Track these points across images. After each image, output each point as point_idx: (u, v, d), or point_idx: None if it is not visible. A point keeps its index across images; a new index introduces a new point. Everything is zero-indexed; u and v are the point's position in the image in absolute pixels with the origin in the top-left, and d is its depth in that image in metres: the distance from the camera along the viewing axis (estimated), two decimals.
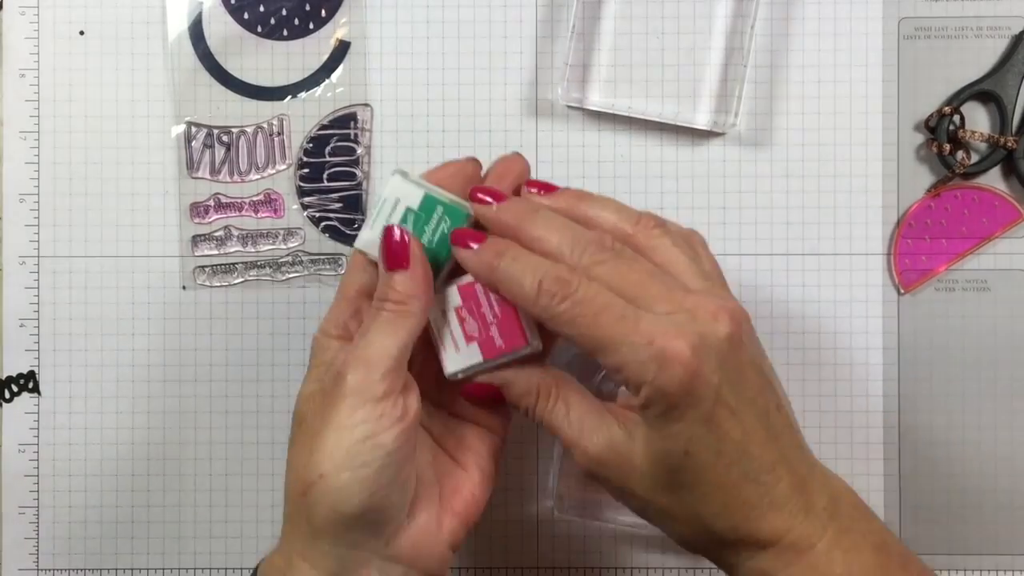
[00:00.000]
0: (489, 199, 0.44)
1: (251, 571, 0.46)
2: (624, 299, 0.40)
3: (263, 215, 0.56)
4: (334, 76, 0.56)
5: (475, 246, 0.43)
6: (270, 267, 0.56)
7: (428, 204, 0.44)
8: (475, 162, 0.46)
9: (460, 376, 0.44)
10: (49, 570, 0.56)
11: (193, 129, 0.56)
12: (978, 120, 0.55)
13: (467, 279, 0.44)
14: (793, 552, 0.41)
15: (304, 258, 0.56)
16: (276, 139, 0.56)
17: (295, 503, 0.42)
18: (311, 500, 0.41)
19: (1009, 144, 0.54)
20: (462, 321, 0.44)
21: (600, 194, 0.45)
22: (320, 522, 0.41)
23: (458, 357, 0.44)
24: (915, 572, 0.43)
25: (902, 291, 0.56)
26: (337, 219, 0.56)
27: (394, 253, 0.43)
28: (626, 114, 0.55)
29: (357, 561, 0.42)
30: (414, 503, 0.43)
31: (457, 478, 0.46)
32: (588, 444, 0.42)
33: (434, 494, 0.45)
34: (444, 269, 0.45)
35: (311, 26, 0.56)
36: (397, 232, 0.43)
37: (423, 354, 0.46)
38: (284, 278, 0.56)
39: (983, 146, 0.55)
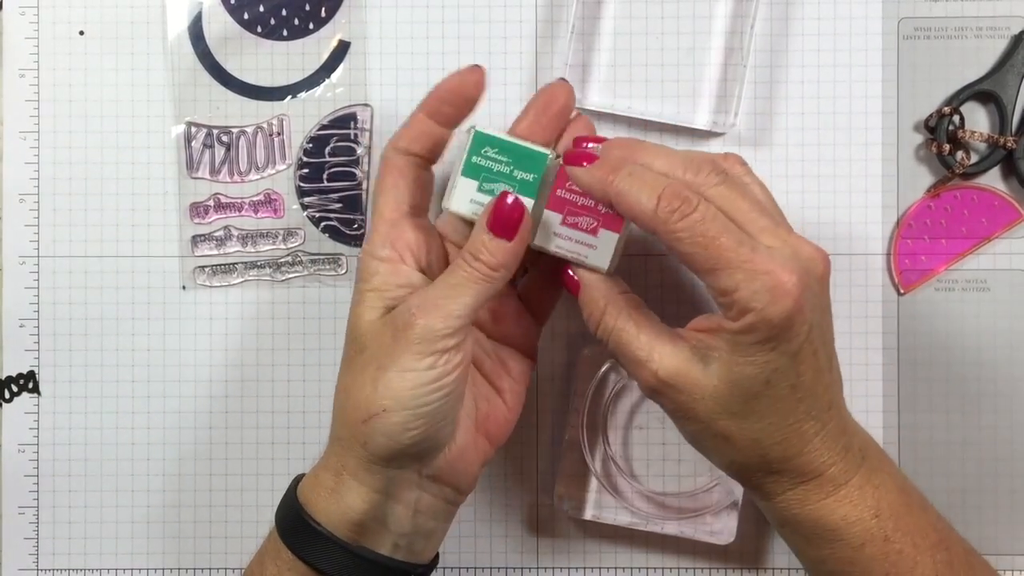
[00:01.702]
0: (589, 140, 0.46)
1: (290, 485, 0.47)
2: (735, 225, 0.42)
3: (263, 215, 0.56)
4: (334, 76, 0.56)
5: (587, 165, 0.44)
6: (270, 267, 0.56)
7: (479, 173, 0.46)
8: (475, 71, 0.47)
9: (615, 267, 0.46)
10: (49, 570, 0.56)
11: (193, 129, 0.56)
12: (978, 120, 0.55)
13: (550, 196, 0.45)
14: (831, 485, 0.44)
15: (304, 258, 0.56)
16: (276, 139, 0.56)
17: (352, 427, 0.44)
18: (370, 429, 0.43)
19: (1009, 144, 0.54)
20: (575, 225, 0.46)
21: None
22: (376, 449, 0.43)
23: (603, 252, 0.46)
24: (933, 514, 0.46)
25: (902, 291, 0.56)
26: (337, 219, 0.56)
27: (504, 221, 0.44)
28: (626, 114, 0.55)
29: (402, 480, 0.45)
30: (454, 428, 0.45)
31: (493, 403, 0.48)
32: (658, 366, 0.43)
33: (471, 418, 0.47)
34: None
35: (311, 26, 0.56)
36: (511, 199, 0.44)
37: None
38: (284, 278, 0.56)
39: (983, 146, 0.55)
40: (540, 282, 0.50)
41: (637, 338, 0.44)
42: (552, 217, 0.46)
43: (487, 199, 0.45)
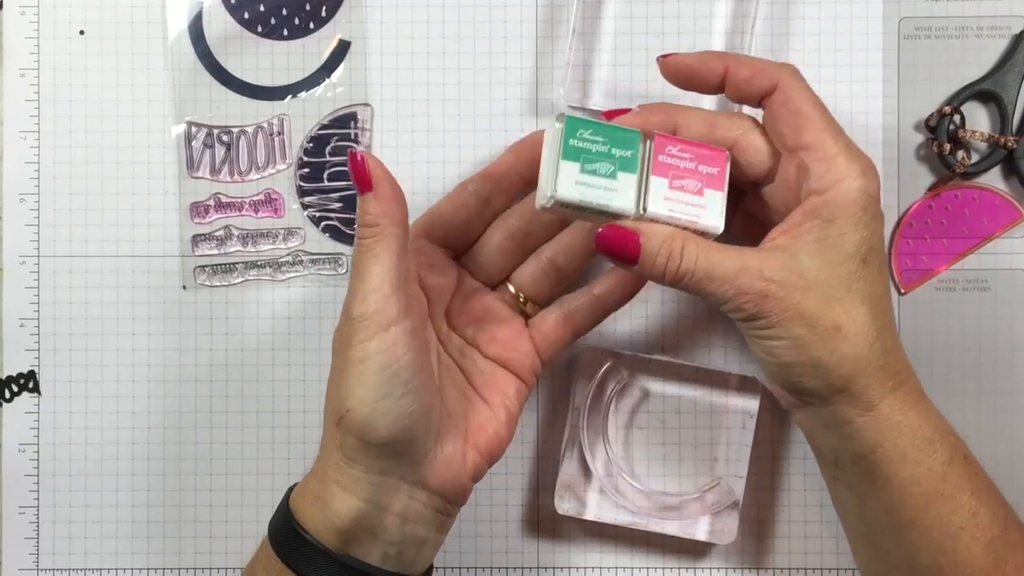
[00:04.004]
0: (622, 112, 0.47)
1: (284, 495, 0.47)
2: None
3: (263, 215, 0.56)
4: (334, 76, 0.56)
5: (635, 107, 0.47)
6: (270, 267, 0.56)
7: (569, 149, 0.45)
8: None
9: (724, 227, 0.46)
10: (49, 570, 0.56)
11: (193, 129, 0.56)
12: (978, 120, 0.55)
13: (655, 163, 0.45)
14: (918, 392, 0.46)
15: (304, 258, 0.56)
16: (276, 139, 0.56)
17: (330, 431, 0.44)
18: (342, 431, 0.43)
19: (1009, 144, 0.54)
20: (682, 188, 0.45)
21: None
22: (351, 451, 0.43)
23: (713, 211, 0.45)
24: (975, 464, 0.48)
25: (902, 291, 0.56)
26: (337, 219, 0.56)
27: (358, 177, 0.43)
28: None
29: (387, 487, 0.44)
30: (441, 435, 0.45)
31: (483, 415, 0.48)
32: (761, 265, 0.44)
33: (460, 428, 0.47)
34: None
35: (311, 26, 0.56)
36: (358, 155, 0.43)
37: (461, 294, 0.49)
38: (284, 278, 0.56)
39: (983, 146, 0.55)
40: (553, 322, 0.50)
41: (727, 255, 0.44)
42: (659, 184, 0.45)
43: (593, 180, 0.44)
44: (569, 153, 0.44)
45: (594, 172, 0.44)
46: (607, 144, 0.45)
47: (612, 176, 0.45)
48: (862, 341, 0.44)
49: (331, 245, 0.56)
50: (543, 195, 0.45)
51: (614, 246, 0.44)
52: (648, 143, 0.45)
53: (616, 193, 0.45)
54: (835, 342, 0.44)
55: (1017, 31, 0.55)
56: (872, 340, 0.44)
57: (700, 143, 0.46)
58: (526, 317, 0.51)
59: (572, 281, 0.52)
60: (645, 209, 0.45)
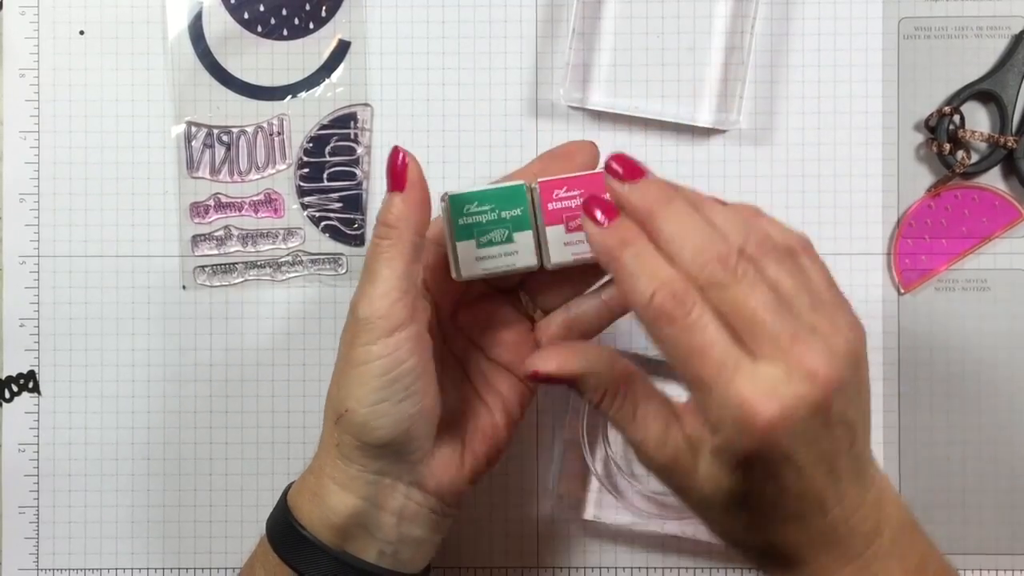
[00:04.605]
0: (621, 171, 0.41)
1: (281, 493, 0.47)
2: (732, 330, 0.38)
3: (263, 215, 0.56)
4: (334, 76, 0.56)
5: (603, 221, 0.40)
6: (270, 267, 0.56)
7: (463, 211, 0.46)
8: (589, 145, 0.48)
9: None
10: (49, 570, 0.56)
11: (193, 129, 0.56)
12: (978, 120, 0.55)
13: (544, 212, 0.46)
14: (843, 559, 0.41)
15: (304, 258, 0.56)
16: (276, 139, 0.56)
17: (328, 428, 0.44)
18: (340, 429, 0.43)
19: (1009, 144, 0.54)
20: (579, 227, 0.45)
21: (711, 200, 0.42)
22: (347, 450, 0.44)
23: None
24: None
25: (902, 291, 0.56)
26: (337, 219, 0.56)
27: (394, 175, 0.43)
28: (627, 113, 0.55)
29: (384, 486, 0.44)
30: (439, 436, 0.45)
31: (483, 418, 0.48)
32: (653, 452, 0.41)
33: (459, 430, 0.47)
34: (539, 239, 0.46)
35: (311, 26, 0.56)
36: (400, 155, 0.43)
37: (470, 295, 0.49)
38: (284, 278, 0.56)
39: (983, 146, 0.55)
40: (559, 326, 0.49)
41: (633, 422, 0.42)
42: (556, 231, 0.46)
43: (491, 250, 0.46)
44: (461, 233, 0.45)
45: (490, 243, 0.46)
46: (495, 209, 0.46)
47: (509, 240, 0.46)
48: (757, 537, 0.41)
49: (331, 245, 0.56)
50: (453, 272, 0.46)
51: (552, 383, 0.44)
52: (534, 193, 0.46)
53: (517, 255, 0.46)
54: (734, 525, 0.42)
55: (1017, 31, 0.55)
56: (769, 537, 0.41)
57: (581, 175, 0.46)
58: (533, 322, 0.50)
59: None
60: (549, 261, 0.46)
